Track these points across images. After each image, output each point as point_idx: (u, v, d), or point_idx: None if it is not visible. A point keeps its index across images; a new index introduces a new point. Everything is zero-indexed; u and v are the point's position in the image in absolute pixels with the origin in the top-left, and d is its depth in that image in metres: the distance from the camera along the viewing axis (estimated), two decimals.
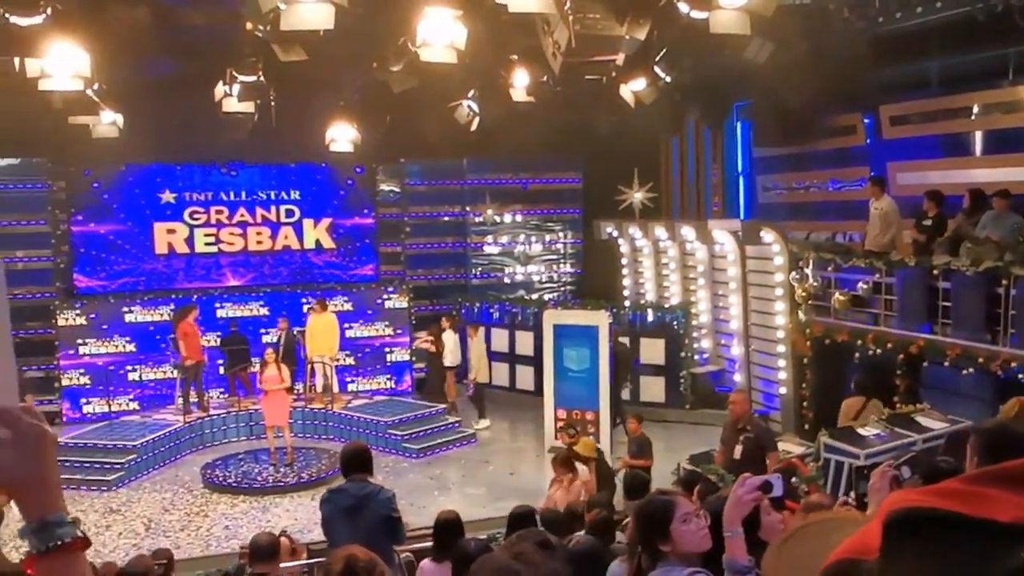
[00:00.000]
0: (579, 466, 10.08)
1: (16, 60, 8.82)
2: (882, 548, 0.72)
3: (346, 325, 16.12)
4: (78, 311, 15.31)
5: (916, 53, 11.96)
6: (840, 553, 0.77)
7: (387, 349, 16.71)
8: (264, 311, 16.40)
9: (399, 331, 16.80)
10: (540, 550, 2.96)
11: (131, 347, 15.56)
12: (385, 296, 16.91)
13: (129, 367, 15.54)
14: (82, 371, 15.31)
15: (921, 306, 10.62)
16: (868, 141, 13.56)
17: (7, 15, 7.48)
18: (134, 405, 15.40)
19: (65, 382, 15.24)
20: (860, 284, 11.54)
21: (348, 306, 16.59)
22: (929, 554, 0.69)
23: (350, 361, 16.44)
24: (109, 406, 14.87)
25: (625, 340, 14.89)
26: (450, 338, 15.44)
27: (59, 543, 1.11)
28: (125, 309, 15.59)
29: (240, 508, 11.61)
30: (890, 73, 12.56)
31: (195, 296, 15.82)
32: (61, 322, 15.22)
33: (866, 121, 13.49)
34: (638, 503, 4.93)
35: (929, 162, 12.38)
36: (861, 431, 8.51)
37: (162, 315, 15.68)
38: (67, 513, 1.15)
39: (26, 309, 15.38)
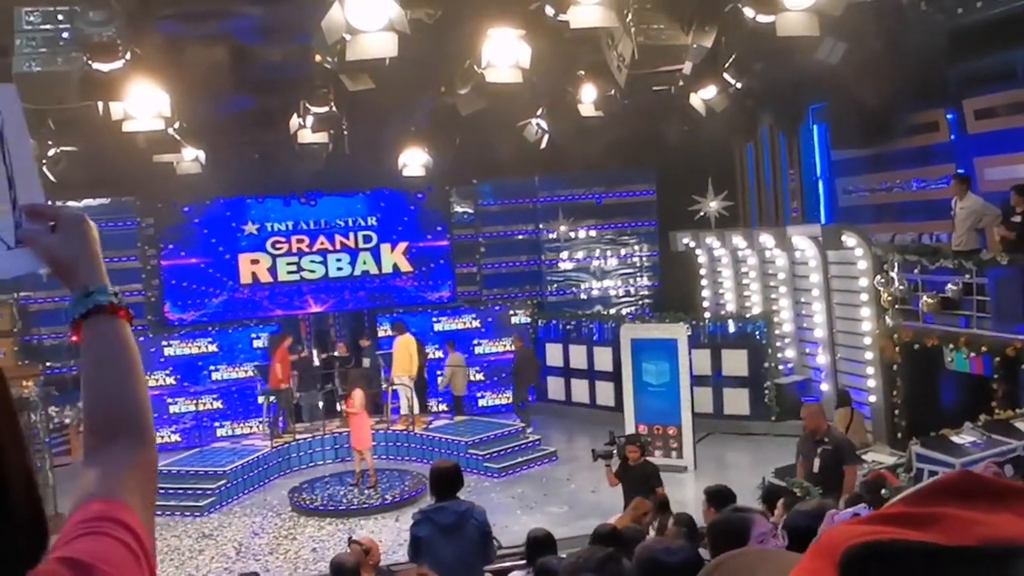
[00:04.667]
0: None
1: (100, 104, 9.22)
2: None
3: (475, 342, 16.83)
4: None
5: (1000, 43, 11.46)
6: None
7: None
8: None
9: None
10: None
11: (171, 380, 15.81)
12: (512, 312, 17.28)
13: (169, 399, 15.72)
14: None
15: (1017, 306, 10.13)
16: (952, 137, 13.05)
17: (90, 62, 7.83)
18: (176, 437, 15.55)
19: None
20: (949, 286, 11.09)
21: (476, 323, 17.03)
22: None
23: (479, 377, 16.76)
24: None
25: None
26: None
27: (98, 305, 1.21)
28: (164, 343, 15.85)
29: (327, 531, 11.78)
30: (973, 66, 12.07)
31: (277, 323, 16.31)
32: None
33: (949, 116, 13.00)
34: (714, 519, 4.80)
35: (1018, 155, 11.84)
36: (956, 439, 8.14)
37: (200, 348, 16.01)
38: (109, 287, 1.24)
39: (74, 347, 15.92)
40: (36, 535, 0.99)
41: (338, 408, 15.39)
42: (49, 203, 1.26)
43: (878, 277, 12.35)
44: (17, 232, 1.22)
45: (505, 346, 16.98)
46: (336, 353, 16.32)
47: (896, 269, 11.96)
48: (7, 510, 0.94)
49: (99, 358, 1.21)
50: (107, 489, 1.08)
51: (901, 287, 11.83)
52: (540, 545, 6.05)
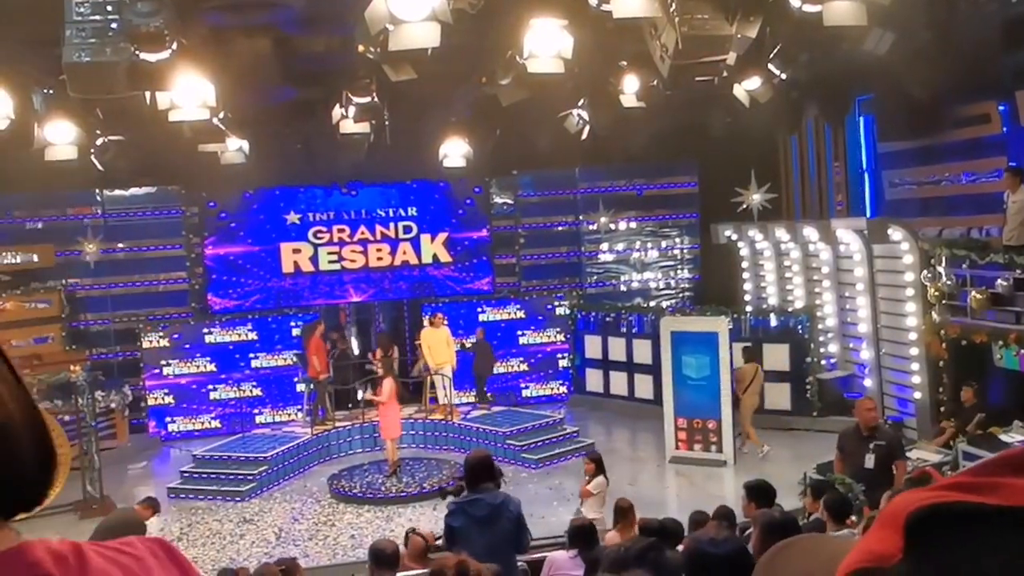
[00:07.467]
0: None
1: (147, 94, 9.35)
2: (906, 550, 0.68)
3: (519, 332, 16.88)
4: (162, 333, 15.94)
5: None
6: (852, 565, 0.72)
7: (559, 355, 16.93)
8: None
9: (568, 337, 17.33)
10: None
11: (211, 367, 16.08)
12: (556, 303, 17.29)
13: (210, 386, 16.05)
14: (166, 391, 15.99)
15: None
16: (1004, 129, 12.76)
17: (137, 52, 7.93)
18: (216, 423, 15.95)
19: (151, 401, 15.95)
20: (999, 281, 10.85)
21: (521, 314, 17.08)
22: (962, 550, 0.66)
23: (524, 367, 16.84)
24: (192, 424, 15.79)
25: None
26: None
27: None
28: (205, 330, 16.18)
29: (365, 518, 11.89)
30: None
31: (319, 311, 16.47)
32: (146, 344, 15.92)
33: (1001, 108, 12.70)
34: (767, 515, 4.75)
35: None
36: (1004, 437, 7.98)
37: (240, 336, 16.25)
38: None
39: (119, 333, 16.24)
40: (40, 466, 0.91)
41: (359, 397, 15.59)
42: None
43: (925, 272, 12.13)
44: None
45: (550, 337, 17.03)
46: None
47: (943, 264, 11.73)
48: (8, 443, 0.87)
49: None
50: None
51: (948, 282, 11.60)
52: (582, 534, 6.09)
